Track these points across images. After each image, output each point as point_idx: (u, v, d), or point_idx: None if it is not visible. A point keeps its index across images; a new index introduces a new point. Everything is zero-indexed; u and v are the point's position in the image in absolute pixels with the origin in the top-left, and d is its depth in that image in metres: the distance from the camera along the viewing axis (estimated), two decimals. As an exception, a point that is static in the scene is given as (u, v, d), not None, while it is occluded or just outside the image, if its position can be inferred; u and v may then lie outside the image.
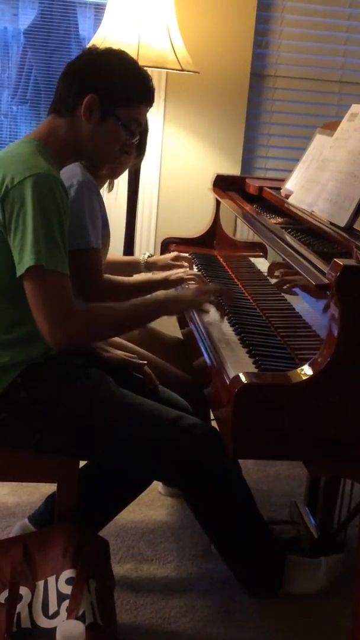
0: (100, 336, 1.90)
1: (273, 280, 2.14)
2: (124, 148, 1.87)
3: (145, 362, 2.07)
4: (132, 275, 2.57)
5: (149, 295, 2.15)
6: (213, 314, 1.98)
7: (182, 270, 2.31)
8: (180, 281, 2.23)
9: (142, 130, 2.01)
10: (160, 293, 2.11)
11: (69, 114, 1.79)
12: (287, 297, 2.00)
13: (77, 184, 1.95)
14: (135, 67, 1.85)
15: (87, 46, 1.94)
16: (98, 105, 1.77)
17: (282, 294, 2.03)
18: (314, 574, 2.04)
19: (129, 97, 1.80)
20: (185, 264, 2.43)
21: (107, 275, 2.15)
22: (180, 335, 2.46)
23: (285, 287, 2.03)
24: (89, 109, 1.77)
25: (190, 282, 2.24)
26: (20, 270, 1.63)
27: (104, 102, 1.77)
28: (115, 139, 1.83)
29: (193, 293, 1.96)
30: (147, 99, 1.86)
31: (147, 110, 1.89)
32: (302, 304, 1.89)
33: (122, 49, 1.88)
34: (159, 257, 2.49)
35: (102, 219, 2.09)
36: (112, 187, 2.32)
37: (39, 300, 1.64)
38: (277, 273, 2.10)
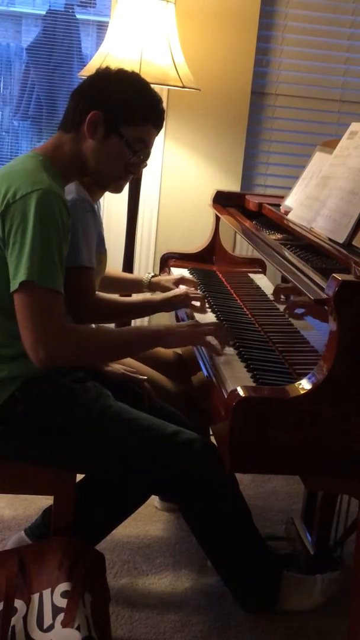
0: (85, 359, 1.81)
1: (272, 296, 2.15)
2: (128, 168, 1.86)
3: (145, 377, 2.07)
4: (132, 294, 2.56)
5: (145, 326, 2.12)
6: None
7: (183, 291, 2.25)
8: (181, 303, 2.21)
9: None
10: (159, 324, 2.04)
11: (75, 130, 1.80)
12: (286, 312, 2.01)
13: (71, 201, 1.93)
14: (145, 88, 1.84)
15: (101, 66, 1.93)
16: (102, 122, 1.78)
17: (281, 310, 2.04)
18: (309, 591, 2.03)
19: (133, 115, 1.80)
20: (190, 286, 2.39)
21: (103, 294, 2.13)
22: (178, 351, 2.46)
23: (284, 302, 2.04)
24: (93, 125, 1.78)
25: (193, 302, 2.22)
26: (14, 285, 1.63)
27: (109, 119, 1.78)
28: (118, 158, 1.83)
29: (190, 331, 1.86)
30: (154, 119, 1.85)
31: (156, 132, 1.87)
32: (301, 320, 1.89)
33: (124, 65, 1.90)
34: (161, 278, 2.43)
35: (97, 236, 2.08)
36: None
37: (26, 315, 1.63)
38: (278, 290, 2.12)
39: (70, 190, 1.96)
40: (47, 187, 1.66)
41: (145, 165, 1.92)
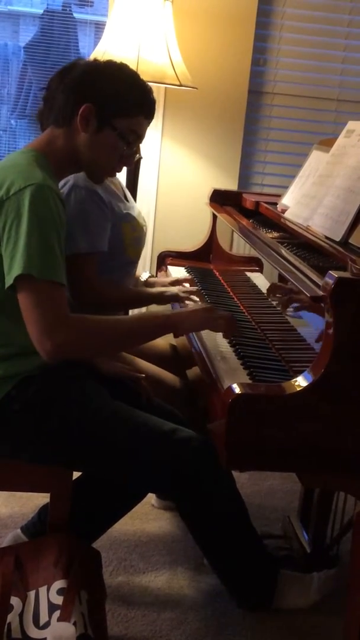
0: (93, 349, 1.77)
1: (269, 295, 2.15)
2: (122, 160, 1.86)
3: (143, 375, 2.06)
4: None
5: (155, 311, 2.10)
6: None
7: (177, 287, 2.27)
8: (174, 298, 2.21)
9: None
10: (166, 310, 2.02)
11: (67, 124, 1.79)
12: (282, 310, 2.01)
13: (64, 189, 1.92)
14: (135, 78, 1.85)
15: (89, 58, 1.94)
16: (94, 115, 1.78)
17: (277, 308, 2.04)
18: (306, 589, 2.03)
19: (125, 107, 1.80)
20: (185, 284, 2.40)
21: (105, 283, 2.14)
22: (173, 342, 2.46)
23: (282, 300, 2.04)
24: (86, 118, 1.78)
25: (191, 296, 2.22)
26: (8, 280, 1.62)
27: (101, 112, 1.78)
28: (112, 150, 1.83)
29: (205, 316, 1.82)
30: (146, 110, 1.85)
31: (147, 123, 1.88)
32: (297, 317, 1.90)
33: (121, 63, 1.89)
34: (157, 279, 2.45)
35: (116, 212, 2.06)
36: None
37: (31, 310, 1.62)
38: (275, 289, 2.12)
39: (67, 179, 1.95)
40: (41, 182, 1.65)
41: (140, 157, 1.93)
